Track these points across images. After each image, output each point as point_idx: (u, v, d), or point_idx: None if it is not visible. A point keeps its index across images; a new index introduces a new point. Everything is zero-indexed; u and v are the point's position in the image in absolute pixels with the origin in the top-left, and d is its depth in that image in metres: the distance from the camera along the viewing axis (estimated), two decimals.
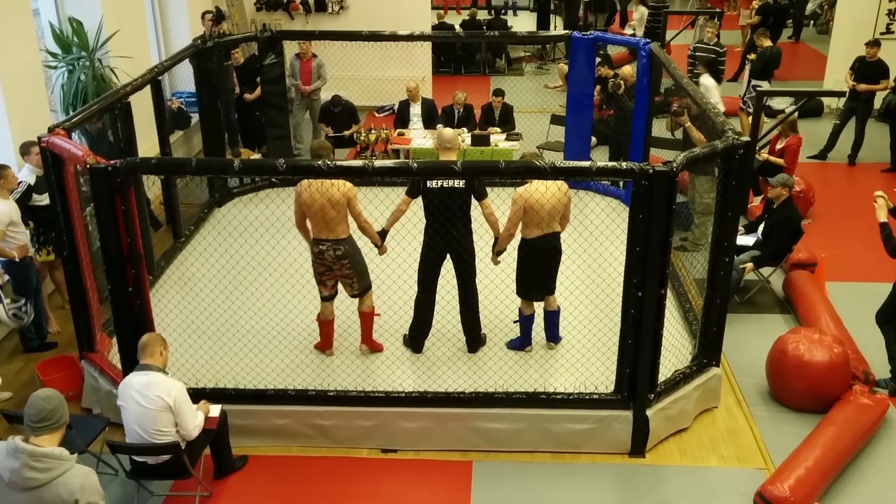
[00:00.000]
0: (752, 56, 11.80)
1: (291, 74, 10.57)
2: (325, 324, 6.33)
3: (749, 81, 11.79)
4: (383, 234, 6.14)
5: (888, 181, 10.14)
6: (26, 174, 6.88)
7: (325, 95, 10.78)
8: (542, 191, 5.78)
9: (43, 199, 6.82)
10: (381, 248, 6.19)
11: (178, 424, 4.92)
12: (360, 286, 6.19)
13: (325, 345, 6.41)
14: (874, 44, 11.00)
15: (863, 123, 11.12)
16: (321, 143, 6.15)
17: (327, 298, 6.25)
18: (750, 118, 11.38)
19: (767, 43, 11.94)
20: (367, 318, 6.39)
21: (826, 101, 13.24)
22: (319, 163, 5.12)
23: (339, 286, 6.25)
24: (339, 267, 6.06)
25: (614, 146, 10.62)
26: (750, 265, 7.46)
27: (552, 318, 6.38)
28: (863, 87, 10.92)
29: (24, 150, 6.92)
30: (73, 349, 6.51)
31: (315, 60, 10.66)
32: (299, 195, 5.90)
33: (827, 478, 5.38)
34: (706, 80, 10.38)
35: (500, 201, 6.32)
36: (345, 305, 6.44)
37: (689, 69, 11.94)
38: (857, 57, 11.41)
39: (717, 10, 15.76)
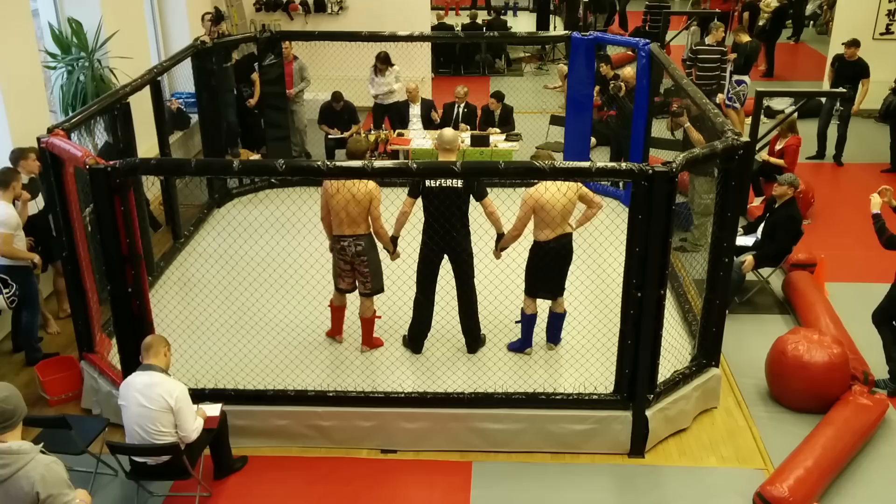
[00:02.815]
0: (733, 55, 11.88)
1: None
2: (337, 309, 6.41)
3: (730, 77, 11.87)
4: (394, 240, 6.17)
5: (888, 182, 10.13)
6: None
7: (325, 96, 10.75)
8: (553, 191, 5.77)
9: (31, 208, 6.78)
10: (392, 255, 6.21)
11: (178, 426, 4.92)
12: (374, 286, 6.23)
13: (335, 330, 6.48)
14: (853, 44, 11.09)
15: (845, 123, 11.14)
16: (356, 139, 6.27)
17: (342, 291, 6.31)
18: (737, 114, 11.51)
19: (746, 39, 12.07)
20: (367, 323, 6.42)
21: (825, 101, 13.26)
22: (318, 163, 5.12)
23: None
24: (357, 263, 6.12)
25: (615, 147, 10.63)
26: (750, 260, 7.44)
27: (557, 321, 6.37)
28: (855, 109, 11.02)
29: (18, 156, 6.77)
30: (73, 350, 6.51)
31: (296, 63, 10.58)
32: (326, 189, 5.97)
33: (826, 478, 5.38)
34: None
35: (500, 202, 6.32)
36: (350, 306, 6.44)
37: (687, 72, 11.95)
38: (835, 55, 11.49)
39: (718, 10, 15.79)
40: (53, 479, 3.46)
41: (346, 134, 10.48)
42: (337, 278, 6.29)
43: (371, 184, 5.90)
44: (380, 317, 6.51)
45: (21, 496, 3.42)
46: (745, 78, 11.75)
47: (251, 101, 10.42)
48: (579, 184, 5.92)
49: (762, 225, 7.78)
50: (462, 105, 10.47)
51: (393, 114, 10.88)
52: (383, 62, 10.64)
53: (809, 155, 11.24)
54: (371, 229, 6.09)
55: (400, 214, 6.08)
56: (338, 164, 5.21)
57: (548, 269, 6.07)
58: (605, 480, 5.56)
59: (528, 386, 5.88)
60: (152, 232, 8.26)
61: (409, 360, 6.33)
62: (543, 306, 6.37)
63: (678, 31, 15.35)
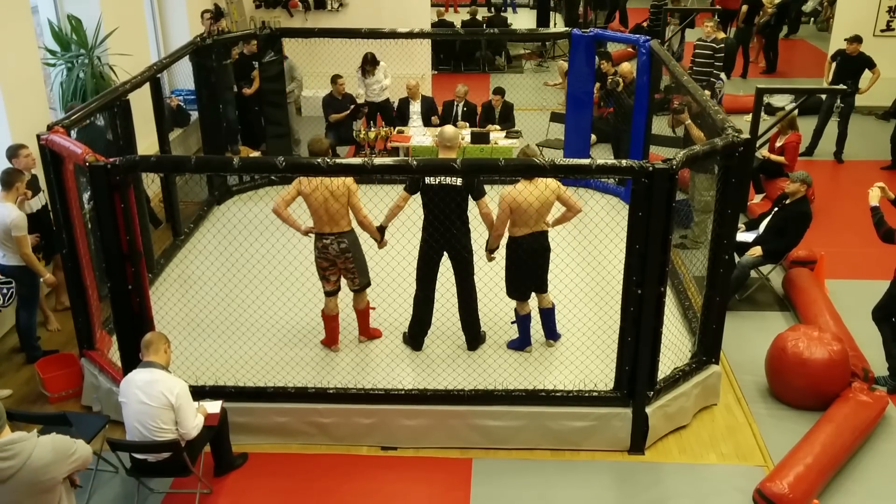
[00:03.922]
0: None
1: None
2: (330, 319, 6.36)
3: None
4: (382, 229, 6.17)
5: (888, 179, 10.14)
6: None
7: (325, 92, 10.74)
8: (530, 190, 5.78)
9: (33, 204, 6.79)
10: (380, 243, 6.21)
11: (179, 423, 4.92)
12: (361, 282, 6.23)
13: (330, 340, 6.44)
14: (855, 40, 11.11)
15: (846, 120, 11.15)
16: (317, 139, 6.17)
17: (330, 293, 6.28)
18: None
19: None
20: (363, 315, 6.43)
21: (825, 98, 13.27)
22: (319, 161, 5.11)
23: (342, 281, 6.28)
24: (342, 261, 6.10)
25: (614, 144, 10.64)
26: (758, 249, 7.42)
27: (548, 316, 6.38)
28: (864, 88, 11.03)
29: (12, 152, 6.77)
30: (73, 347, 6.52)
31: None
32: (299, 183, 5.93)
33: (826, 475, 5.38)
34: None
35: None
36: (345, 302, 6.44)
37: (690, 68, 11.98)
38: (837, 51, 11.50)
39: (718, 7, 15.79)
40: (63, 455, 3.52)
41: (356, 126, 10.44)
42: (322, 281, 6.25)
43: (347, 178, 5.87)
44: (373, 308, 6.51)
45: (40, 479, 3.44)
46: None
47: (248, 90, 10.42)
48: (558, 184, 5.92)
49: (767, 219, 7.74)
50: (461, 104, 10.47)
51: (385, 110, 10.88)
52: (371, 63, 10.64)
53: (800, 152, 11.23)
54: (352, 226, 6.05)
55: (393, 206, 6.08)
56: (338, 161, 5.20)
57: (524, 266, 6.08)
58: (605, 477, 5.57)
59: (528, 383, 5.88)
60: (152, 229, 8.26)
61: (410, 357, 6.33)
62: (536, 304, 6.37)
63: (678, 29, 15.34)
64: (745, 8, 15.49)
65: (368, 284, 6.29)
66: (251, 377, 5.95)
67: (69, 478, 3.63)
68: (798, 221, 7.45)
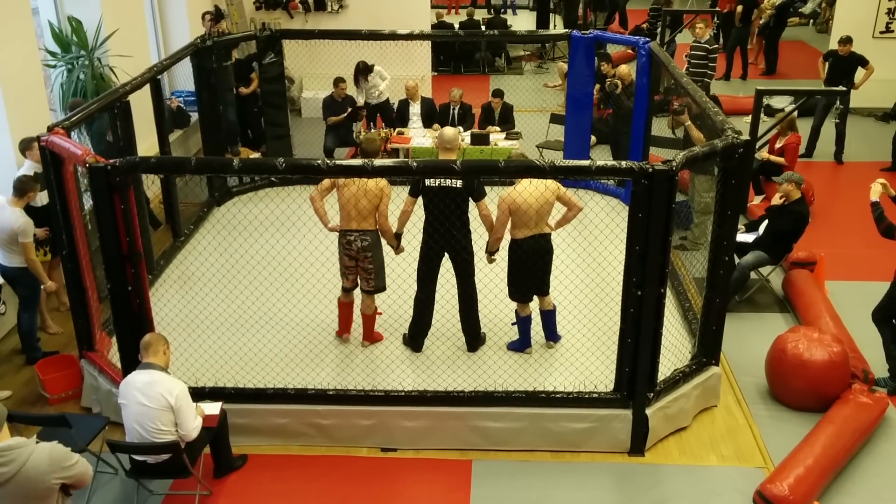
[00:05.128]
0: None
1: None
2: (345, 306, 6.41)
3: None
4: (398, 236, 6.20)
5: (888, 180, 10.13)
6: (27, 170, 6.88)
7: (326, 93, 10.74)
8: (530, 191, 5.78)
9: (43, 198, 6.82)
10: (396, 249, 6.24)
11: (178, 424, 4.92)
12: (377, 284, 6.25)
13: (342, 329, 6.48)
14: (847, 41, 11.15)
15: (844, 121, 11.16)
16: (371, 139, 6.37)
17: (348, 289, 6.33)
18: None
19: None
20: (369, 320, 6.44)
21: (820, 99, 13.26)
22: (318, 162, 5.12)
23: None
24: (362, 259, 6.14)
25: (614, 145, 10.64)
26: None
27: (549, 318, 6.38)
28: (859, 83, 11.08)
29: (26, 145, 6.90)
30: (73, 348, 6.51)
31: None
32: (336, 180, 5.99)
33: (826, 477, 5.38)
34: None
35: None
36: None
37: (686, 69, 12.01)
38: (829, 51, 11.52)
39: (718, 10, 15.80)
40: (59, 461, 3.48)
41: (356, 128, 10.43)
42: (342, 277, 6.31)
43: (383, 180, 5.93)
44: (381, 313, 6.51)
45: (35, 486, 3.43)
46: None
47: (244, 89, 10.41)
48: (557, 185, 5.92)
49: (764, 223, 7.72)
50: (457, 107, 10.50)
51: (385, 112, 10.90)
52: (363, 73, 10.65)
53: (800, 153, 11.23)
54: (376, 227, 6.10)
55: (402, 213, 6.11)
56: (337, 162, 5.21)
57: (526, 268, 6.08)
58: (605, 479, 5.56)
59: (528, 384, 5.88)
60: (152, 230, 8.26)
61: (410, 359, 6.33)
62: (537, 306, 6.37)
63: (678, 29, 15.35)
64: (740, 8, 15.48)
65: (383, 289, 6.30)
66: (251, 378, 5.94)
67: (65, 489, 3.59)
68: (793, 219, 7.44)
